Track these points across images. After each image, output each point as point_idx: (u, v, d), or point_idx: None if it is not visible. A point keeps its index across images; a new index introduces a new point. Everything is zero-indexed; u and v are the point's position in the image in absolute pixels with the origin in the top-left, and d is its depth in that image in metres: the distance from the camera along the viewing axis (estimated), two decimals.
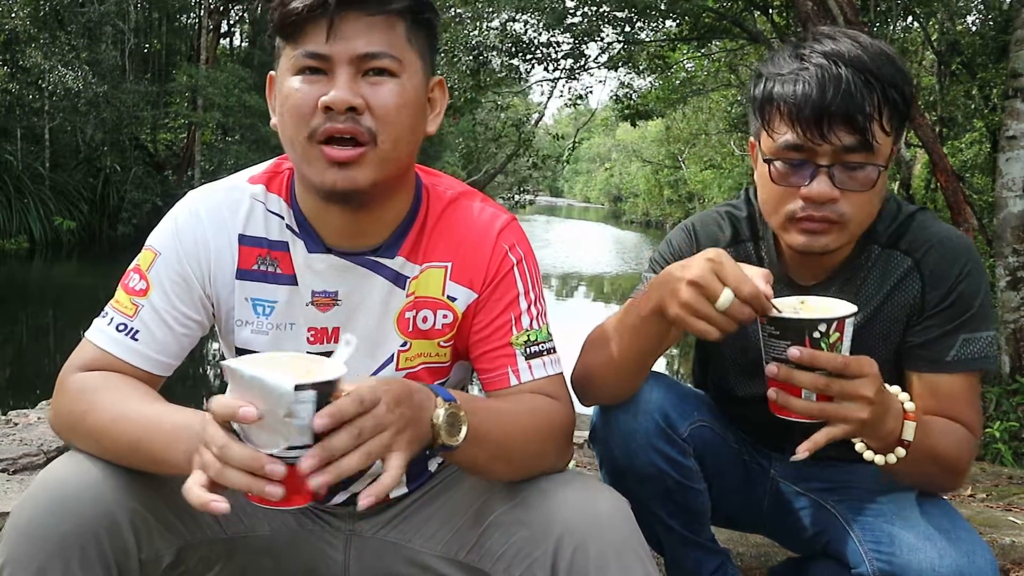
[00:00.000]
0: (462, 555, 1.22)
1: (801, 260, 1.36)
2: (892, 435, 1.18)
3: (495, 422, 1.10)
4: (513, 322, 1.22)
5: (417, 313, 1.23)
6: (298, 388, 0.86)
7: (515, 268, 1.23)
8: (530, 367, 1.21)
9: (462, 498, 1.27)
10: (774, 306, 1.10)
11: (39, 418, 2.89)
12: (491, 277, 1.22)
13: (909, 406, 1.19)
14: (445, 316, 1.23)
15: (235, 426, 0.91)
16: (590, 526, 1.08)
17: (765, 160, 1.28)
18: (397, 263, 1.21)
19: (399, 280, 1.21)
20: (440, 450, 1.02)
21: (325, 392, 0.89)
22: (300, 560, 1.29)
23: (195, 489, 0.90)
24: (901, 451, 1.19)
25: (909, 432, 1.18)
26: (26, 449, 2.45)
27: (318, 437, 0.89)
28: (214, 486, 0.91)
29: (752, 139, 1.35)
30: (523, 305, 1.23)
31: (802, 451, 1.14)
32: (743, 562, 1.94)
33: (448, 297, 1.22)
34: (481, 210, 1.25)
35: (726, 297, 1.09)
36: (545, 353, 1.23)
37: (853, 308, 1.11)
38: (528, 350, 1.21)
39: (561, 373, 1.25)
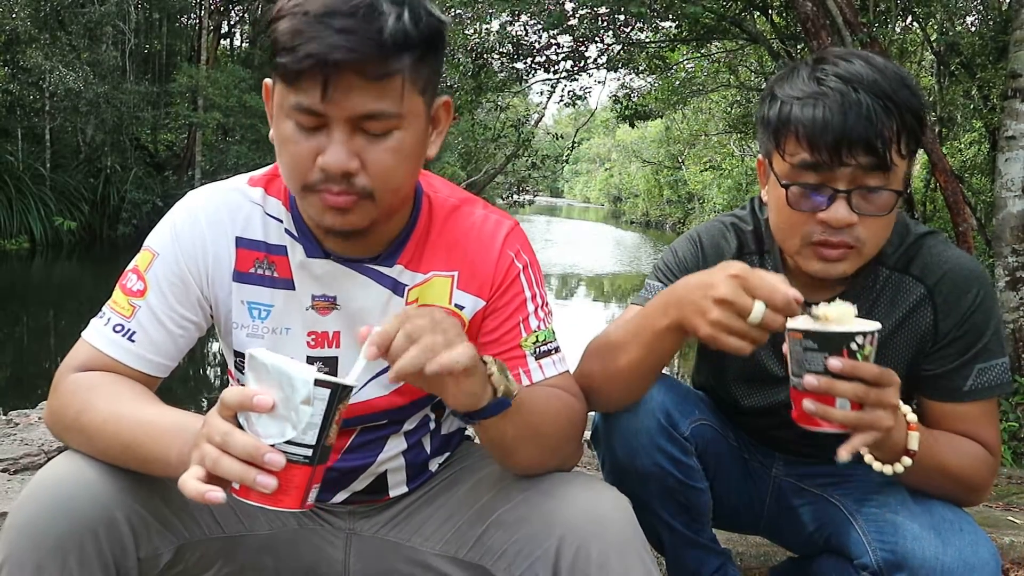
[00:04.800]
0: (463, 553, 1.22)
1: (808, 278, 1.35)
2: (898, 445, 1.21)
3: (530, 399, 1.12)
4: (522, 325, 1.23)
5: None
6: (318, 383, 0.89)
7: (521, 273, 1.24)
8: (540, 367, 1.22)
9: (463, 497, 1.27)
10: (808, 311, 1.11)
11: (40, 418, 2.89)
12: (498, 284, 1.23)
13: (911, 417, 1.23)
14: None
15: (240, 419, 0.93)
16: (592, 525, 1.08)
17: (782, 185, 1.26)
18: (395, 271, 1.21)
19: (397, 288, 1.21)
20: (493, 410, 1.05)
21: (339, 396, 0.91)
22: (300, 559, 1.29)
23: (191, 481, 0.91)
24: (908, 460, 1.22)
25: (914, 442, 1.21)
26: (27, 449, 2.45)
27: (322, 438, 0.91)
28: (211, 479, 0.91)
29: (761, 158, 1.34)
30: (530, 308, 1.24)
31: (843, 453, 1.13)
32: (743, 562, 1.94)
33: (456, 305, 1.23)
34: (485, 218, 1.26)
35: (758, 310, 1.08)
36: (554, 352, 1.25)
37: (877, 324, 1.12)
38: (537, 350, 1.23)
39: (568, 371, 1.27)
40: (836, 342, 1.09)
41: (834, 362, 1.08)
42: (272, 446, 0.90)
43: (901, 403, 1.22)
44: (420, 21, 1.02)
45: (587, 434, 1.51)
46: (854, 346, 1.09)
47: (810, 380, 1.10)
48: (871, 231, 1.24)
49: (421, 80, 1.05)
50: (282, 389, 0.90)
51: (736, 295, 1.09)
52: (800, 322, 1.11)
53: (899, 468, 1.23)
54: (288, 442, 0.90)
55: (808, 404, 1.11)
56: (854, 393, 1.09)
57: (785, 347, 1.15)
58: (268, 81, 1.09)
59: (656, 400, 1.40)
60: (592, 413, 1.49)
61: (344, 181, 1.04)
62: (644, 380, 1.33)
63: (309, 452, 0.91)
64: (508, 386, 1.05)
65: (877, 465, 1.24)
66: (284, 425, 0.90)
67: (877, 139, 1.18)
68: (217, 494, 0.90)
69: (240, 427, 0.92)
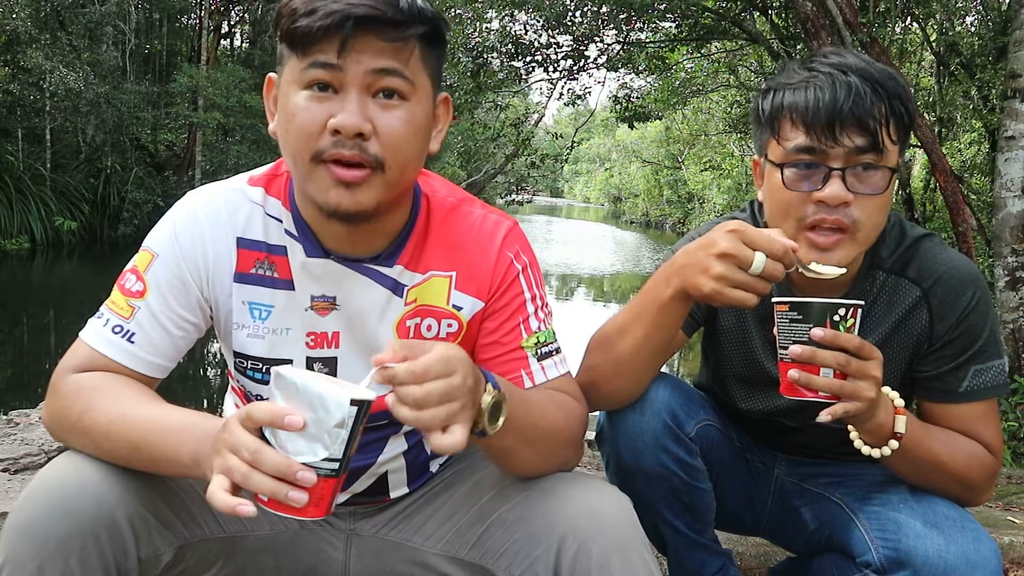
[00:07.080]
0: (463, 552, 1.22)
1: (808, 281, 1.35)
2: (884, 427, 1.23)
3: (526, 409, 1.12)
4: (522, 326, 1.23)
5: (421, 321, 1.22)
6: (353, 402, 0.89)
7: (521, 274, 1.24)
8: (543, 368, 1.22)
9: (464, 496, 1.28)
10: (799, 261, 1.17)
11: (40, 418, 2.89)
12: (497, 285, 1.23)
13: (899, 402, 1.25)
14: (450, 325, 1.23)
15: (266, 433, 0.92)
16: (593, 525, 1.08)
17: (777, 165, 1.28)
18: (395, 271, 1.21)
19: (397, 288, 1.21)
20: (475, 435, 1.03)
21: (365, 410, 0.91)
22: (300, 559, 1.29)
23: (219, 493, 0.90)
24: (895, 443, 1.24)
25: (900, 424, 1.24)
26: (27, 449, 2.45)
27: (348, 451, 0.91)
28: (236, 490, 0.91)
29: (756, 157, 1.36)
30: (530, 309, 1.24)
31: (824, 415, 1.17)
32: (743, 562, 1.94)
33: (453, 306, 1.22)
34: (484, 218, 1.26)
35: (760, 260, 1.14)
36: (555, 353, 1.25)
37: (862, 302, 1.18)
38: (539, 351, 1.23)
39: (569, 372, 1.27)
40: (819, 313, 1.15)
41: (817, 331, 1.14)
42: (303, 463, 0.89)
43: (889, 389, 1.25)
44: (429, 2, 1.08)
45: (590, 434, 1.51)
46: (837, 317, 1.14)
47: (795, 348, 1.15)
48: (865, 212, 1.26)
49: (430, 61, 1.10)
50: (314, 410, 0.89)
51: (737, 248, 1.14)
52: (787, 296, 1.18)
53: (886, 451, 1.25)
54: (322, 459, 0.90)
55: (793, 373, 1.16)
56: (836, 362, 1.14)
57: (775, 330, 1.19)
58: (272, 75, 1.11)
59: (661, 401, 1.40)
60: (597, 413, 1.50)
61: (356, 146, 1.04)
62: (650, 363, 1.35)
63: (336, 466, 0.91)
64: (485, 427, 1.02)
65: (866, 449, 1.27)
66: (315, 444, 0.89)
67: (868, 117, 1.22)
68: (249, 508, 0.89)
69: (263, 437, 0.92)
